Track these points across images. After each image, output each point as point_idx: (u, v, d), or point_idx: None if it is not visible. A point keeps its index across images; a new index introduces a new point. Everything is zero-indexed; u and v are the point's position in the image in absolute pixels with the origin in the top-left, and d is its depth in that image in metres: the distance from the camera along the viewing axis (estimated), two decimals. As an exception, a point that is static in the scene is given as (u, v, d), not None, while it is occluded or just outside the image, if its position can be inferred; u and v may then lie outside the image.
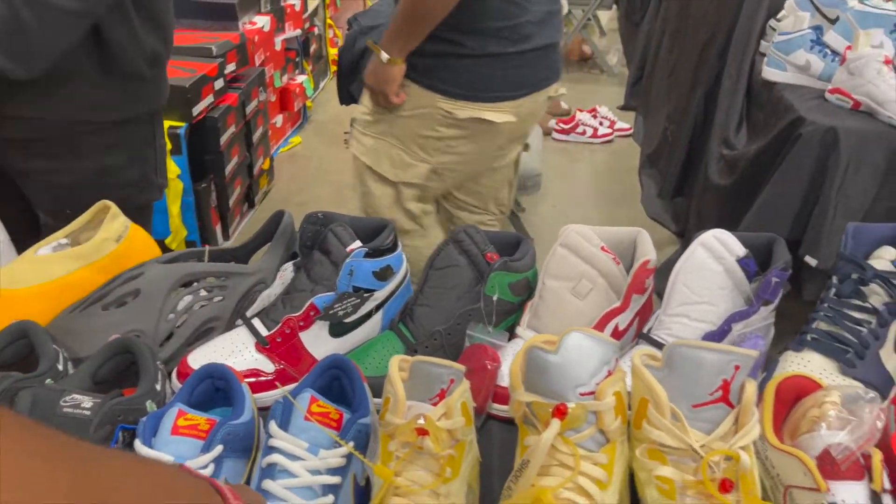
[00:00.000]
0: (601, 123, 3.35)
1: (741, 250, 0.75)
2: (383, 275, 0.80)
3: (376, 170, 1.45)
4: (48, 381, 0.66)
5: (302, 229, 0.83)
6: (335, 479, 0.60)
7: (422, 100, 1.34)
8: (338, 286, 0.78)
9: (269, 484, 0.58)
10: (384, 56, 1.29)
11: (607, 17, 5.15)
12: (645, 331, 0.79)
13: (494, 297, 0.76)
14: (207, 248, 0.86)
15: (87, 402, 0.61)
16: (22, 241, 0.93)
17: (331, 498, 0.59)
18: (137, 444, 0.59)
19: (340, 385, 0.69)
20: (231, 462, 0.61)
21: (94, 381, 0.69)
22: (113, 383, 0.70)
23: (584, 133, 3.31)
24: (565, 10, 3.50)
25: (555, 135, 3.34)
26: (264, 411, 0.70)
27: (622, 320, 0.78)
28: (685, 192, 2.38)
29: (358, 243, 0.80)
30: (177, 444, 0.59)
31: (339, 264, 0.79)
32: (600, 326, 0.76)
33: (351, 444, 0.61)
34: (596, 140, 3.31)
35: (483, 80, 1.32)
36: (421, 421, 0.56)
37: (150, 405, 0.65)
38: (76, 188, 1.09)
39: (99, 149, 1.10)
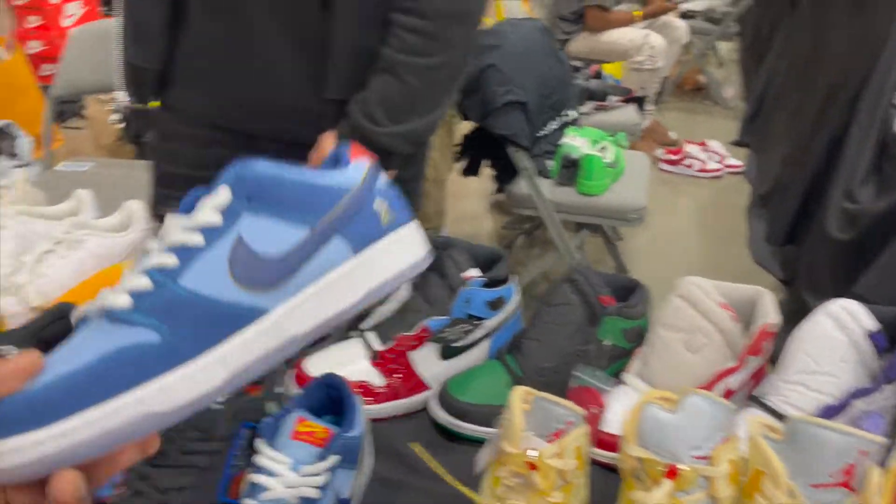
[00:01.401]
0: (710, 158, 3.26)
1: (872, 324, 0.73)
2: (496, 305, 0.82)
3: None
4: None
5: (421, 251, 0.86)
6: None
7: None
8: (452, 312, 0.80)
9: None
10: None
11: (727, 47, 5.00)
12: (757, 394, 0.77)
13: (607, 342, 0.77)
14: (330, 258, 0.90)
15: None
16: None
17: None
18: (260, 442, 0.63)
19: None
20: (342, 471, 0.64)
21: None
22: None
23: (691, 166, 3.23)
24: (685, 39, 3.43)
25: (661, 165, 3.28)
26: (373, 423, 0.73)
27: (734, 381, 0.76)
28: (797, 239, 2.29)
29: (475, 271, 0.82)
30: (295, 447, 0.63)
31: (455, 289, 0.81)
32: (711, 385, 0.75)
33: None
34: (703, 174, 3.23)
35: None
36: (533, 454, 0.57)
37: (272, 406, 0.69)
38: None
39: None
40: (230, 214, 0.40)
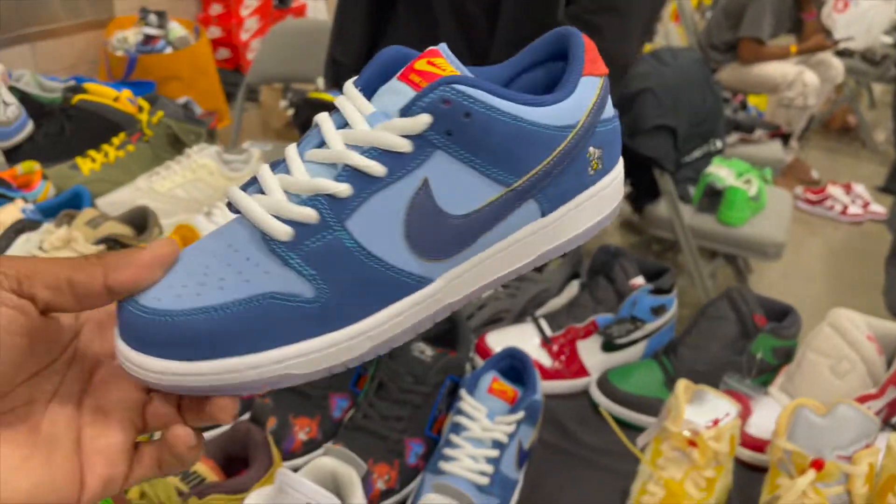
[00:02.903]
0: (853, 202, 3.18)
1: None
2: (658, 311, 0.93)
3: None
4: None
5: (594, 256, 0.99)
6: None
7: None
8: (619, 311, 0.92)
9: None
10: None
11: (880, 89, 4.81)
12: (893, 421, 0.85)
13: (758, 356, 0.87)
14: (510, 252, 1.05)
15: (429, 351, 0.82)
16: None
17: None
18: (463, 392, 0.77)
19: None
20: (525, 427, 0.77)
21: (423, 336, 0.89)
22: (436, 341, 0.90)
23: (832, 208, 3.17)
24: (840, 79, 3.37)
25: (799, 203, 3.23)
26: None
27: (873, 406, 0.84)
28: (939, 295, 2.24)
29: (641, 279, 0.94)
30: (490, 400, 0.77)
31: (622, 292, 0.93)
32: (852, 406, 0.83)
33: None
34: (844, 218, 3.16)
35: None
36: (695, 432, 0.69)
37: (468, 366, 0.84)
38: None
39: None
40: (421, 147, 0.32)
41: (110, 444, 0.32)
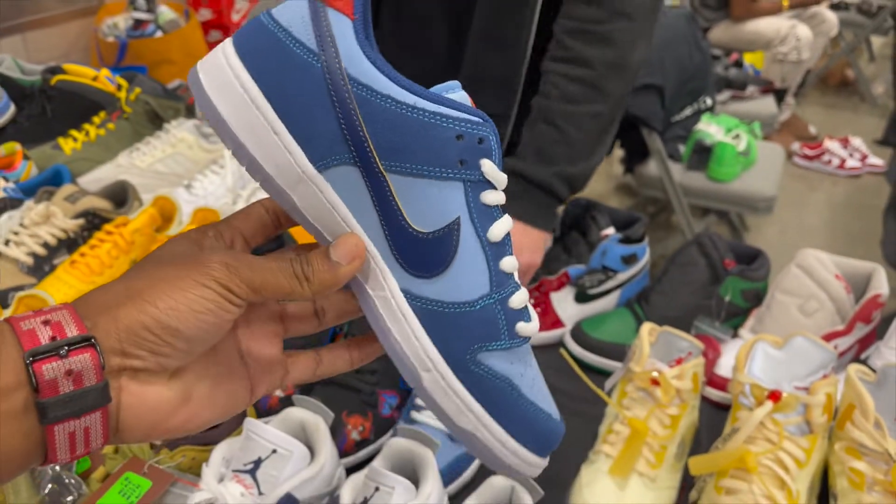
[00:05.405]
0: (851, 155, 3.16)
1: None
2: (629, 260, 0.94)
3: None
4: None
5: (566, 210, 1.00)
6: None
7: None
8: (590, 262, 0.93)
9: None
10: None
11: (880, 42, 4.75)
12: (862, 357, 0.86)
13: (727, 299, 0.88)
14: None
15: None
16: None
17: None
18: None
19: None
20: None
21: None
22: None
23: (829, 163, 3.15)
24: (834, 32, 3.32)
25: (796, 159, 3.22)
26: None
27: (842, 343, 0.85)
28: (935, 244, 2.23)
29: (612, 229, 0.95)
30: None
31: (594, 244, 0.95)
32: (820, 343, 0.84)
33: None
34: (841, 172, 3.14)
35: None
36: (658, 372, 0.70)
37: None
38: None
39: None
40: None
41: (266, 355, 0.37)
